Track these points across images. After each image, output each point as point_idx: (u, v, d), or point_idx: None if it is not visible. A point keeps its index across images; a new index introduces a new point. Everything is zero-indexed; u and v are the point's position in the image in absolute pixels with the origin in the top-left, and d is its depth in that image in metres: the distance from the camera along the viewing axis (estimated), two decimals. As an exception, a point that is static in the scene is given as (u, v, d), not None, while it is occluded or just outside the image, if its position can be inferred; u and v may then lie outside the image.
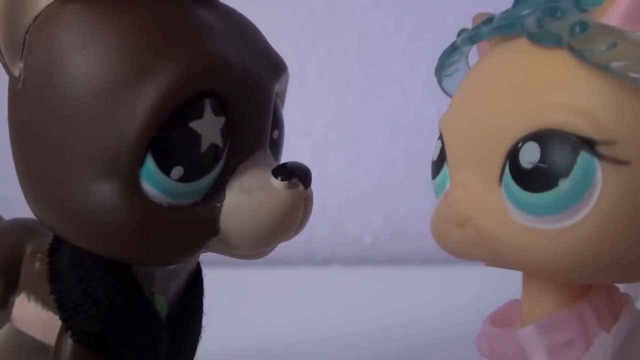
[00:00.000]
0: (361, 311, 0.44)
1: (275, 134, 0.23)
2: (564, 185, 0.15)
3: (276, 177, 0.20)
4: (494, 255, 0.17)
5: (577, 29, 0.15)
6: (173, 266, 0.22)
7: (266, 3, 0.62)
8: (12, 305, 0.23)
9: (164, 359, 0.23)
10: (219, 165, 0.20)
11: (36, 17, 0.20)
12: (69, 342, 0.21)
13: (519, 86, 0.16)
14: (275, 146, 0.23)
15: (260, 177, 0.20)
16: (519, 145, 0.16)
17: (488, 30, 0.18)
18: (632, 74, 0.14)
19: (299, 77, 0.62)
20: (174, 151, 0.19)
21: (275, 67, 0.22)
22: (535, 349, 0.17)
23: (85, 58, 0.19)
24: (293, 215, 0.21)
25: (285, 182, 0.20)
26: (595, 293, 0.18)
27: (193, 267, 0.24)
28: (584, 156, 0.15)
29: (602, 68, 0.14)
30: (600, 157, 0.15)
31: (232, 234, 0.20)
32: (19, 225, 0.24)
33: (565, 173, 0.15)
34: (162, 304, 0.23)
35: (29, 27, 0.20)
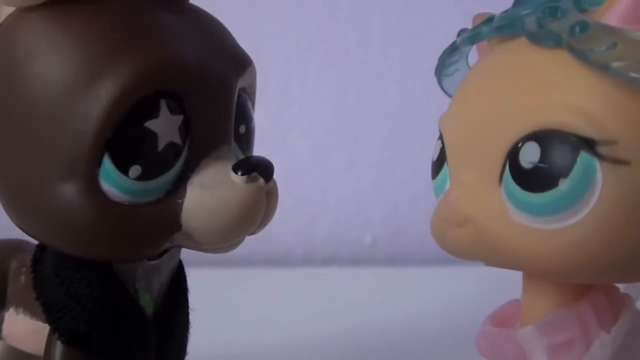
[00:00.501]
0: (361, 311, 0.44)
1: (242, 129, 0.23)
2: (563, 185, 0.15)
3: (236, 172, 0.21)
4: (493, 255, 0.17)
5: (577, 29, 0.15)
6: (153, 262, 0.23)
7: (266, 3, 0.62)
8: (1, 321, 0.24)
9: (154, 358, 0.23)
10: (180, 162, 0.20)
11: None
12: (57, 344, 0.21)
13: (518, 86, 0.16)
14: (245, 141, 0.23)
15: (220, 172, 0.21)
16: (519, 145, 0.16)
17: (488, 30, 0.18)
18: (633, 74, 0.14)
19: (299, 77, 0.62)
20: (131, 151, 0.19)
21: (239, 63, 0.23)
22: (534, 349, 0.17)
23: (40, 64, 0.19)
24: (254, 209, 0.21)
25: (245, 177, 0.20)
26: (595, 293, 0.17)
27: (175, 264, 0.24)
28: (583, 156, 0.15)
29: (603, 68, 0.14)
30: (600, 157, 0.15)
31: (194, 230, 0.20)
32: (1, 245, 0.25)
33: (565, 173, 0.15)
34: (146, 301, 0.23)
35: None
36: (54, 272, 0.21)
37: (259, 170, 0.21)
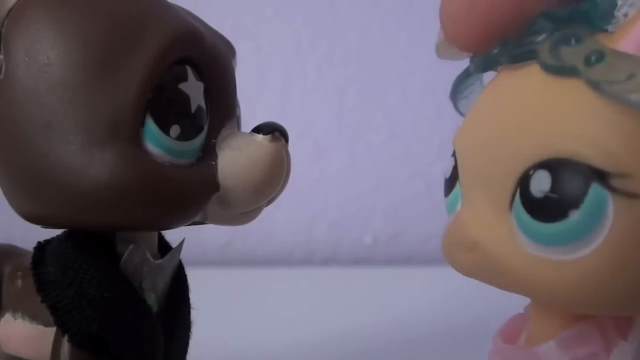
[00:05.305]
0: (361, 311, 0.44)
1: (238, 110, 0.24)
2: (574, 216, 0.14)
3: (258, 133, 0.22)
4: (502, 282, 0.17)
5: (593, 59, 0.14)
6: (158, 261, 0.23)
7: (267, 3, 0.62)
8: None
9: (161, 357, 0.23)
10: (206, 127, 0.22)
11: (9, 11, 0.21)
12: (67, 347, 0.21)
13: (532, 112, 0.16)
14: (239, 123, 0.24)
15: (244, 136, 0.22)
16: (530, 173, 0.15)
17: (503, 58, 0.17)
18: None
19: (299, 77, 0.62)
20: (170, 110, 0.21)
21: (231, 47, 0.24)
22: (556, 365, 0.17)
23: (73, 35, 0.20)
24: (281, 165, 0.23)
25: (269, 136, 0.22)
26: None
27: (176, 264, 0.24)
28: (595, 188, 0.14)
29: (620, 100, 0.14)
30: (613, 189, 0.14)
31: (230, 189, 0.22)
32: None
33: (576, 204, 0.14)
34: (152, 301, 0.23)
35: (4, 21, 0.21)
36: (61, 273, 0.21)
37: (278, 131, 0.22)
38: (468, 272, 0.18)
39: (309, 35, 0.62)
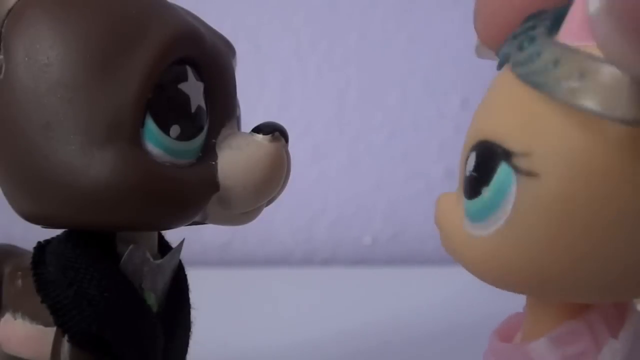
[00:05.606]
0: (361, 311, 0.44)
1: (238, 110, 0.24)
2: (486, 194, 0.16)
3: (258, 133, 0.22)
4: (457, 260, 0.18)
5: (525, 45, 0.15)
6: (158, 261, 0.23)
7: (267, 3, 0.62)
8: None
9: (161, 357, 0.23)
10: (206, 127, 0.22)
11: (9, 11, 0.21)
12: (67, 346, 0.21)
13: (484, 101, 0.17)
14: (239, 123, 0.25)
15: (244, 136, 0.22)
16: (468, 155, 0.17)
17: (499, 54, 0.18)
18: (556, 88, 0.14)
19: (299, 77, 0.62)
20: (170, 110, 0.21)
21: (231, 47, 0.24)
22: (547, 362, 0.17)
23: (73, 35, 0.20)
24: (281, 165, 0.23)
25: (269, 136, 0.22)
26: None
27: (176, 264, 0.24)
28: (503, 167, 0.15)
29: (527, 81, 0.15)
30: (515, 168, 0.15)
31: (230, 189, 0.22)
32: None
33: (487, 182, 0.15)
34: (152, 301, 0.23)
35: (4, 21, 0.21)
36: (61, 273, 0.21)
37: (278, 131, 0.22)
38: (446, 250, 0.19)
39: (309, 35, 0.62)
